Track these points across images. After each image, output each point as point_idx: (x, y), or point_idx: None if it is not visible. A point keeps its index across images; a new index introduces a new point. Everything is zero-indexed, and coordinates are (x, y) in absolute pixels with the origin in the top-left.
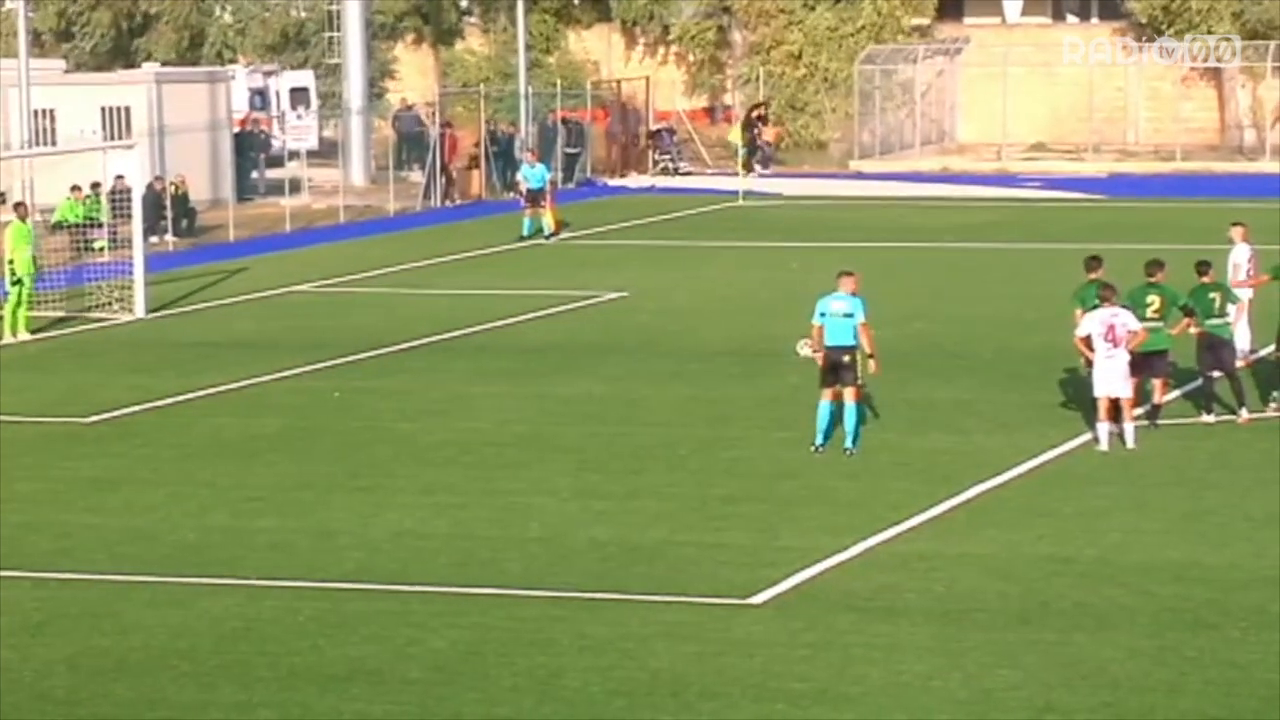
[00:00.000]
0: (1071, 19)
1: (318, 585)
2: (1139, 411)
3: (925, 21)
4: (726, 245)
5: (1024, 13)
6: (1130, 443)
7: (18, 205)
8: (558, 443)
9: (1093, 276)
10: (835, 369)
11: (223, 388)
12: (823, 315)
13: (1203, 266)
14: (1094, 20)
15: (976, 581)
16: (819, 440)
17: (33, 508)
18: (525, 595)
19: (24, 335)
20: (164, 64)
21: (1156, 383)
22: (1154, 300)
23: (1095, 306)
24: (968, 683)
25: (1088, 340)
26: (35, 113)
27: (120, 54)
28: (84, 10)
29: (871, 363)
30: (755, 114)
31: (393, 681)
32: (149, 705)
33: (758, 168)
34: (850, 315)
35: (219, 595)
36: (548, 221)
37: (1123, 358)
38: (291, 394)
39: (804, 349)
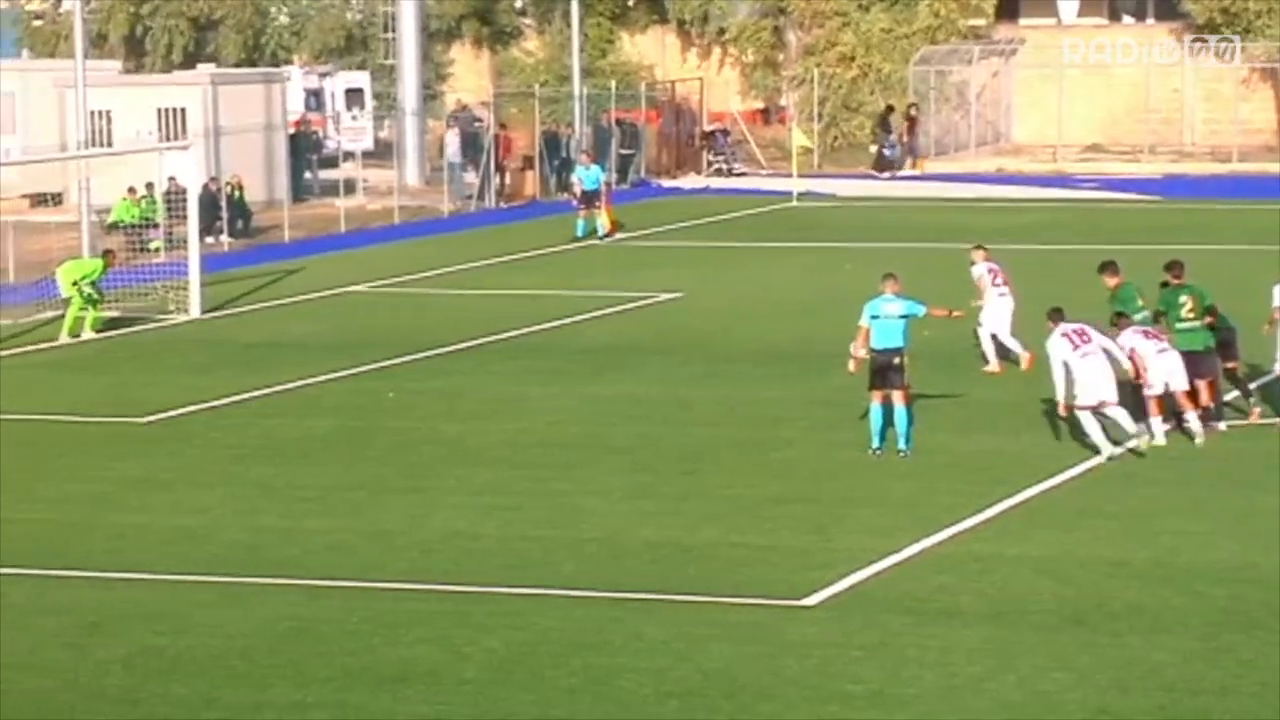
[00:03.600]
0: (1127, 20)
1: (372, 586)
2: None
3: (981, 23)
4: (780, 246)
5: (1080, 13)
6: (1199, 439)
7: (108, 252)
8: (610, 443)
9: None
10: (885, 371)
11: (277, 388)
12: (874, 318)
13: (1175, 268)
14: (1150, 21)
15: (1030, 583)
16: (875, 443)
17: (87, 507)
18: (579, 596)
19: (89, 334)
20: (230, 65)
21: (1202, 384)
22: (1187, 300)
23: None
24: (1021, 685)
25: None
26: (92, 114)
27: (189, 59)
28: (153, 12)
29: (946, 311)
30: (910, 112)
31: (447, 682)
32: (205, 704)
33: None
34: (904, 316)
35: (274, 595)
36: (603, 222)
37: (1174, 354)
38: (345, 394)
39: (860, 351)
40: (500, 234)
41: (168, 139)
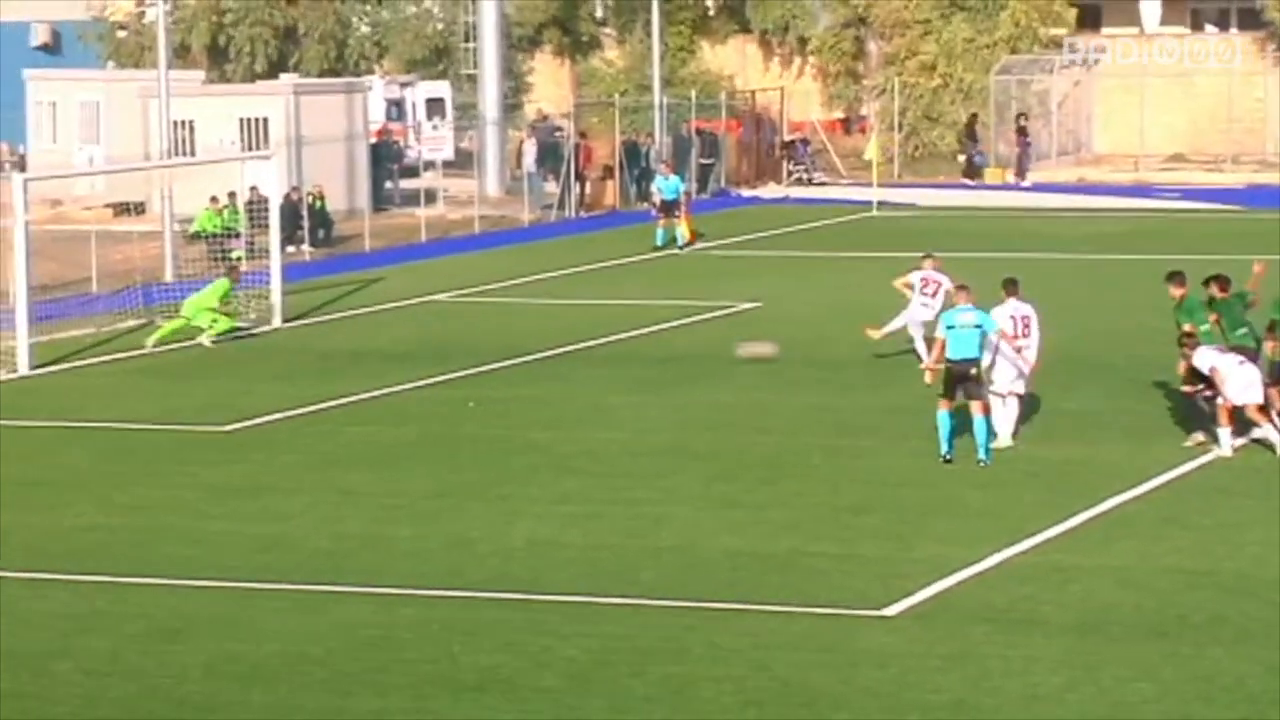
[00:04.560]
0: (1210, 29)
1: (453, 594)
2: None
3: (1063, 32)
4: (860, 255)
5: (1162, 22)
6: None
7: (232, 269)
8: (691, 452)
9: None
10: (962, 381)
11: (360, 396)
12: (950, 328)
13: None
14: (1232, 30)
15: (1112, 594)
16: (945, 449)
17: (171, 514)
18: (657, 605)
19: (206, 340)
20: (313, 75)
21: (1274, 392)
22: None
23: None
24: (1103, 696)
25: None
26: (175, 124)
27: (272, 69)
28: (236, 22)
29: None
30: (1019, 123)
31: (525, 690)
32: (285, 711)
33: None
34: (979, 327)
35: (355, 603)
36: (682, 232)
37: (1253, 367)
38: (428, 403)
39: (935, 362)
40: (580, 243)
41: (250, 148)
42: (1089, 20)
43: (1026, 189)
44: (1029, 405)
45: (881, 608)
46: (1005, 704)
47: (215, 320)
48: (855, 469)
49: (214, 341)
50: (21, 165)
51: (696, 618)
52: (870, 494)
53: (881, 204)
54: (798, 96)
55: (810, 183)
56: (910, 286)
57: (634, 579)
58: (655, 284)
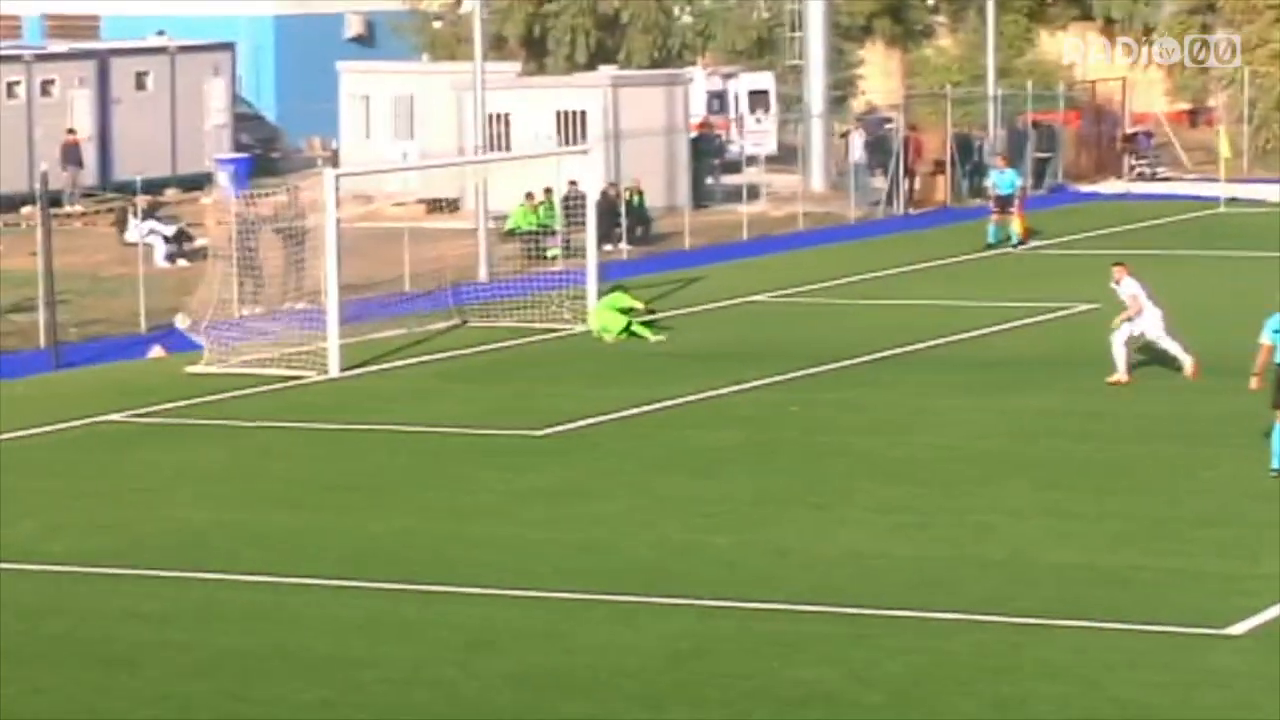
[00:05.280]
0: None
1: (771, 605)
2: None
3: None
4: (1205, 254)
5: None
6: None
7: (616, 287)
8: (1020, 460)
9: None
10: None
11: (682, 399)
12: (1276, 332)
13: None
14: None
15: None
16: (1276, 464)
17: (482, 520)
18: (986, 619)
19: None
20: (637, 67)
21: None
22: None
23: None
24: None
25: None
26: (490, 117)
27: (592, 60)
28: (559, 12)
29: None
30: None
31: (847, 706)
32: None
33: None
34: None
35: (670, 614)
36: (1016, 229)
37: None
38: (750, 406)
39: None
40: (908, 241)
41: (566, 143)
42: None
43: None
44: None
45: (1224, 626)
46: None
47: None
48: (1202, 480)
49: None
50: (334, 160)
51: (1026, 634)
52: (1213, 506)
53: (1230, 200)
54: (1141, 87)
55: (1153, 178)
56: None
57: (961, 592)
58: (987, 284)
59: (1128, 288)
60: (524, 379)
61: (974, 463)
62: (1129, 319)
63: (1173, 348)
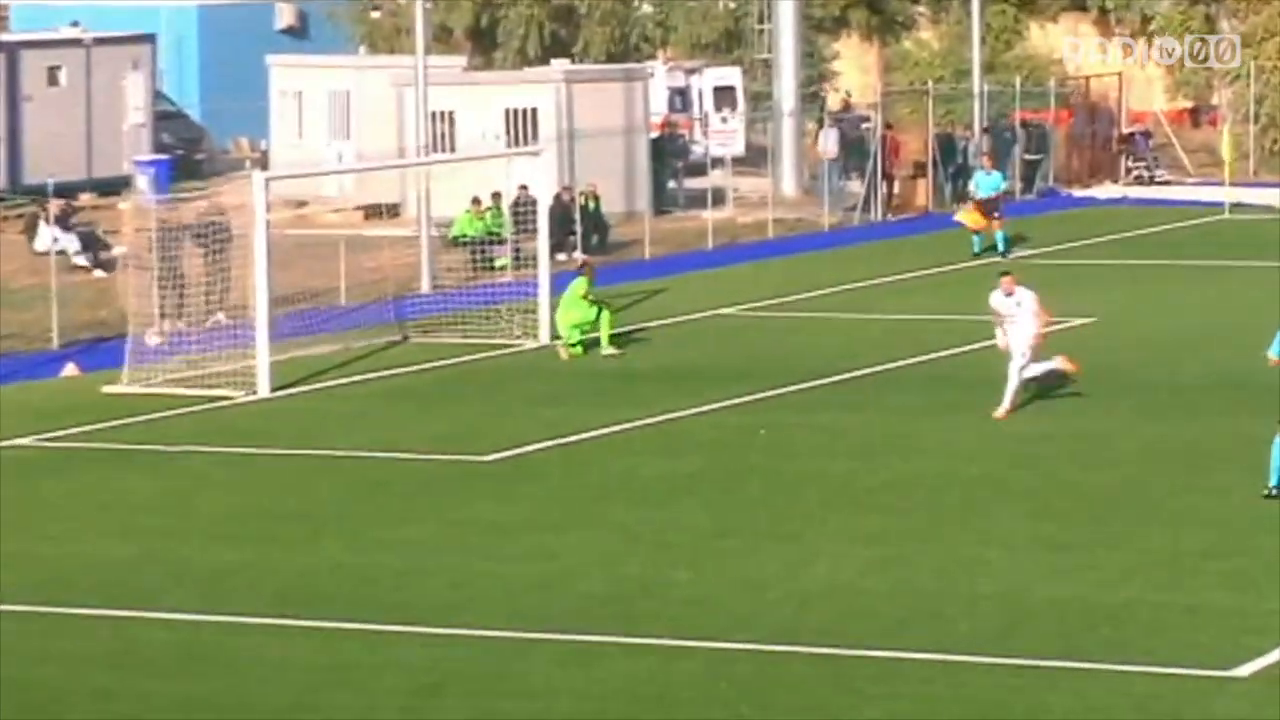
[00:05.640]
0: None
1: (740, 646)
2: None
3: None
4: (1209, 264)
5: None
6: None
7: (584, 265)
8: (1011, 487)
9: None
10: None
11: (638, 422)
12: None
13: None
14: None
15: None
16: (1273, 481)
17: (427, 555)
18: (975, 661)
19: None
20: (594, 61)
21: None
22: None
23: None
24: None
25: None
26: (432, 115)
27: (546, 53)
28: (505, 4)
29: None
30: None
31: None
32: None
33: None
34: None
35: (630, 655)
36: (1003, 235)
37: None
38: (714, 429)
39: None
40: (887, 250)
41: (516, 143)
42: None
43: None
44: None
45: (1230, 668)
46: None
47: (578, 338)
48: (1202, 508)
49: (569, 354)
50: (263, 163)
51: (1019, 677)
52: (1220, 537)
53: (1235, 206)
54: (1139, 83)
55: (1152, 181)
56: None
57: (948, 631)
58: (973, 296)
59: (1025, 301)
60: (470, 400)
61: (961, 490)
62: (1040, 337)
63: (1033, 371)
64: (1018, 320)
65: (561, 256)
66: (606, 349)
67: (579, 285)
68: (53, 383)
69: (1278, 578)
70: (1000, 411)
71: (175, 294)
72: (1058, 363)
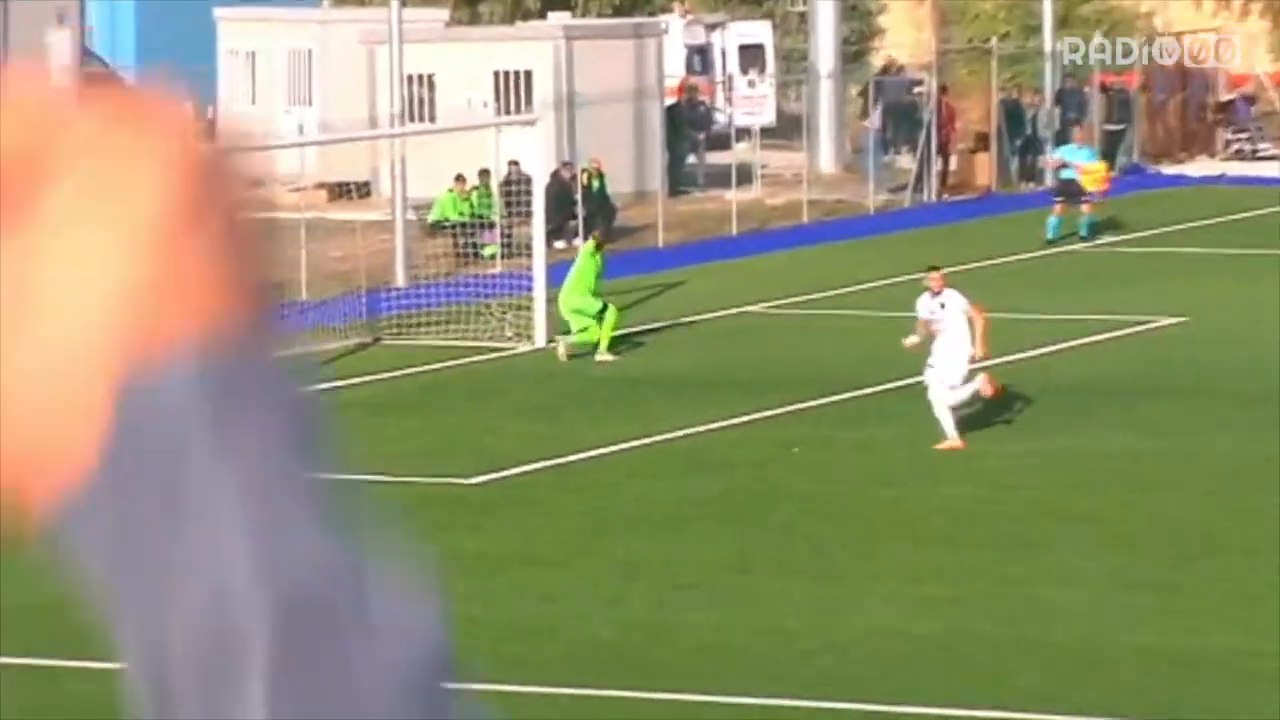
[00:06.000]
0: None
1: (767, 700)
2: None
3: None
4: None
5: None
6: None
7: (593, 236)
8: (1085, 515)
9: None
10: None
11: (648, 439)
12: None
13: None
14: None
15: None
16: None
17: None
18: (1038, 718)
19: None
20: (600, 15)
21: None
22: None
23: None
24: None
25: None
26: (409, 79)
27: (542, 6)
28: None
29: None
30: None
31: None
32: None
33: None
34: None
35: (638, 711)
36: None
37: None
38: (737, 448)
39: None
40: (943, 237)
41: (507, 111)
42: None
43: None
44: None
45: None
46: None
47: (586, 327)
48: None
49: (569, 354)
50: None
51: None
52: None
53: None
54: (1241, 41)
55: (1255, 156)
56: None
57: (1010, 683)
58: (1043, 292)
59: (953, 305)
60: (452, 413)
61: (1022, 519)
62: (976, 359)
63: (961, 395)
64: (945, 328)
65: (560, 244)
66: (601, 354)
67: (588, 259)
68: None
69: None
70: (947, 444)
71: None
72: (979, 383)
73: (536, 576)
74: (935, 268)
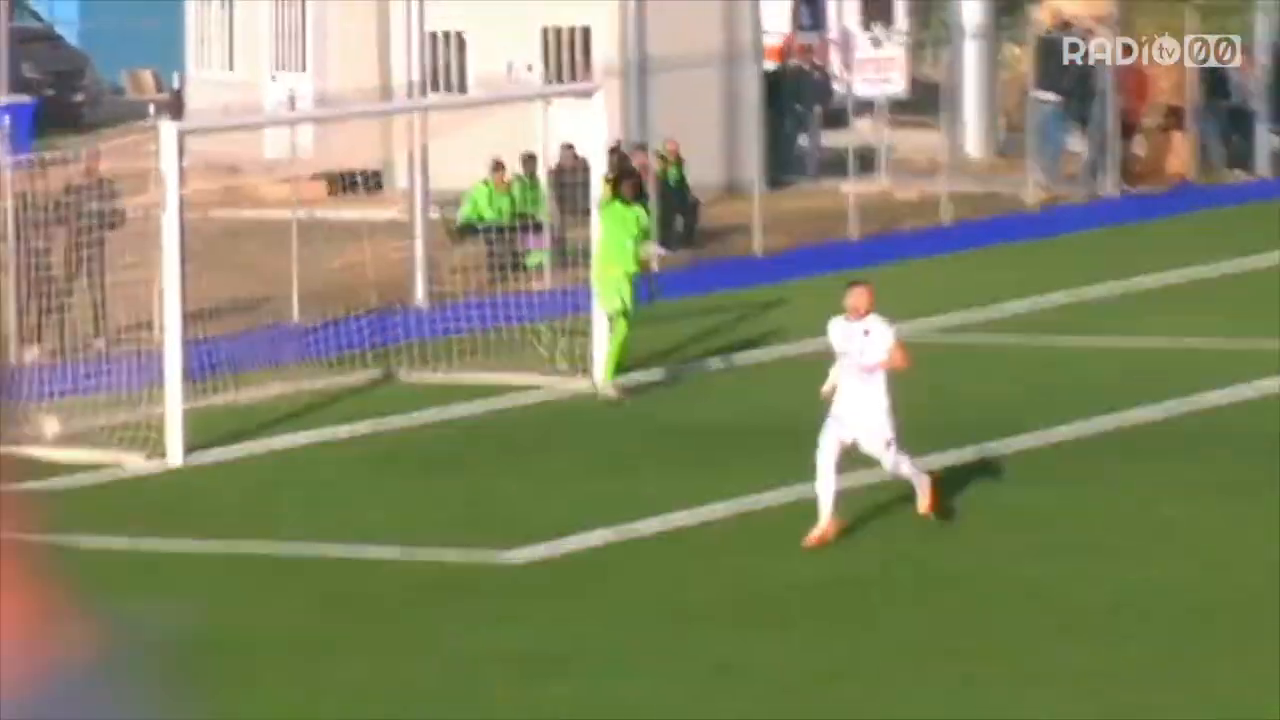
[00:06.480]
0: None
1: None
2: None
3: None
4: None
5: None
6: None
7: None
8: None
9: None
10: None
11: (739, 501)
12: None
13: None
14: None
15: None
16: None
17: (433, 703)
18: None
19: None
20: None
21: None
22: None
23: None
24: None
25: None
26: (432, 38)
27: None
28: None
29: None
30: None
31: None
32: None
33: None
34: None
35: None
36: None
37: None
38: (853, 512)
39: None
40: (1125, 240)
41: (559, 80)
42: None
43: None
44: None
45: None
46: None
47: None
48: None
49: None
50: (174, 107)
51: None
52: None
53: None
54: None
55: None
56: None
57: None
58: (1263, 313)
59: (877, 334)
60: (487, 470)
61: (1228, 609)
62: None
63: (904, 469)
64: (864, 366)
65: None
66: (603, 387)
67: (619, 212)
68: None
69: None
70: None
71: (41, 304)
72: (923, 485)
73: (595, 683)
74: (858, 282)
